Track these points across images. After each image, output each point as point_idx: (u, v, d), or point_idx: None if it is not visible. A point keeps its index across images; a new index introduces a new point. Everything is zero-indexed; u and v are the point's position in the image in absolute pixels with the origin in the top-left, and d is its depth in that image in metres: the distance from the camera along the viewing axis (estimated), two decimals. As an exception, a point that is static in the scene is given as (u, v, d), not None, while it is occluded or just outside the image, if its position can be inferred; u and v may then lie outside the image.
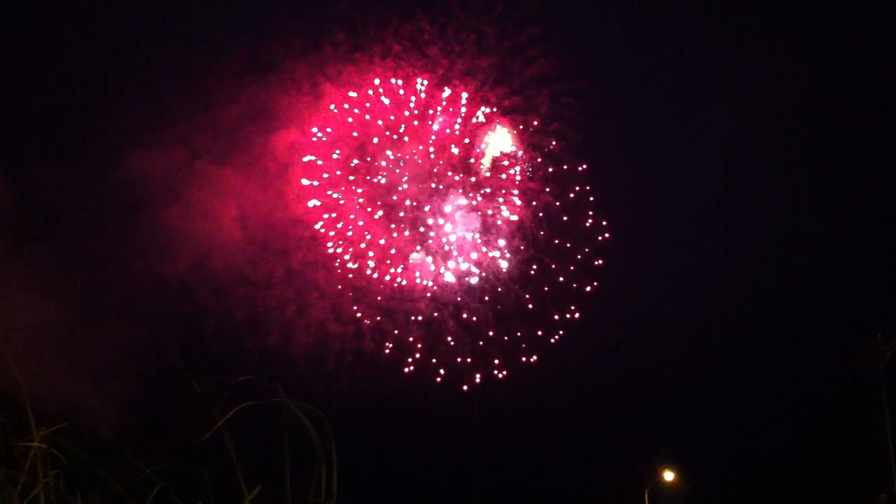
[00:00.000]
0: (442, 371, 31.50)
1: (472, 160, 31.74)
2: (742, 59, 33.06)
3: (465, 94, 31.50)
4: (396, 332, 31.64)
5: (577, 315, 31.98)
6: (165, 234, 28.39)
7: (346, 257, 31.50)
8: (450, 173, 31.77)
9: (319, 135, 31.33)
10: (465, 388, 31.36)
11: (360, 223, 31.53)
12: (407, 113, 31.53)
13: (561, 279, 32.14)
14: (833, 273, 31.82)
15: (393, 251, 31.60)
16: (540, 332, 31.87)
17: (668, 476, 30.90)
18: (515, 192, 31.99)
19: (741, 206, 33.36)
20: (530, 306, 31.98)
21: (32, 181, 27.02)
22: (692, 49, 32.95)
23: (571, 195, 32.10)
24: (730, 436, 31.90)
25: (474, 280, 31.79)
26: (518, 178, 31.99)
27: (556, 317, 32.01)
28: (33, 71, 29.66)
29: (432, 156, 31.66)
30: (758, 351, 32.52)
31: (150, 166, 28.27)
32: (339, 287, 31.45)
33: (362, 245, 31.52)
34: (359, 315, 31.52)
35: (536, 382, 31.39)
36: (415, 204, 31.69)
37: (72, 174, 27.55)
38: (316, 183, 31.31)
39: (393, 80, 31.44)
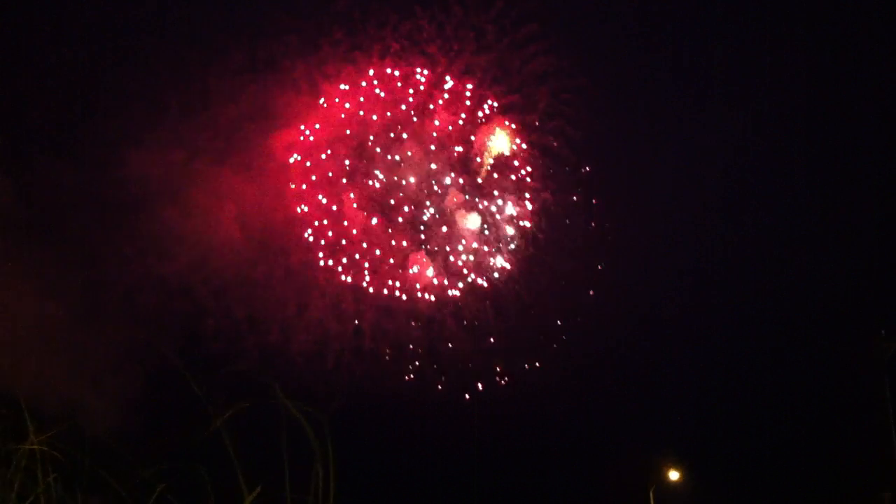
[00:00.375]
0: (443, 373, 31.45)
1: (473, 158, 31.67)
2: (746, 54, 32.97)
3: (466, 91, 31.52)
4: (396, 333, 31.59)
5: (580, 315, 31.90)
6: (161, 234, 28.40)
7: (343, 262, 31.45)
8: (452, 174, 31.68)
9: (308, 133, 31.25)
10: (467, 387, 31.35)
11: (354, 231, 31.42)
12: (404, 106, 31.46)
13: (563, 279, 32.09)
14: (837, 270, 31.71)
15: (392, 260, 31.51)
16: (542, 332, 31.82)
17: (673, 475, 30.83)
18: (515, 191, 31.91)
19: (744, 202, 33.28)
20: (532, 307, 31.94)
21: (29, 181, 27.02)
22: (693, 44, 32.85)
23: (572, 194, 32.05)
24: (734, 435, 31.81)
25: (472, 279, 31.74)
26: (518, 177, 31.92)
27: (559, 316, 31.96)
28: (31, 70, 29.62)
29: (431, 154, 31.60)
30: (761, 349, 32.41)
31: (146, 165, 28.29)
32: (337, 287, 31.38)
33: (357, 257, 31.42)
34: (356, 319, 31.50)
35: (539, 382, 31.32)
36: (412, 206, 31.63)
37: (69, 173, 27.54)
38: (305, 187, 31.27)
39: (390, 70, 31.35)
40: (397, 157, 31.51)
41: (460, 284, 31.58)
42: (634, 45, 32.79)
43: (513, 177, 31.77)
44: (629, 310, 32.39)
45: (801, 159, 33.01)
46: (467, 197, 31.63)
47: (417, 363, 31.55)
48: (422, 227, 31.71)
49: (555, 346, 31.47)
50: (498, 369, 31.56)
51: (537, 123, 31.64)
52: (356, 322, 31.46)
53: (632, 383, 32.48)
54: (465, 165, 31.78)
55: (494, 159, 31.66)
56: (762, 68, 32.71)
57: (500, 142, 31.59)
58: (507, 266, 31.80)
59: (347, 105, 31.48)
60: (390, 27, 31.26)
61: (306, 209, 31.20)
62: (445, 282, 31.57)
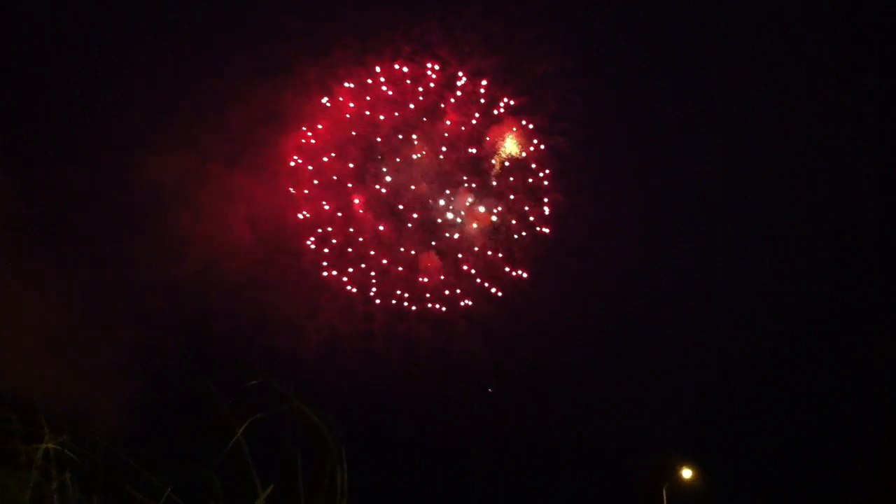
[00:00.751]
0: (454, 372, 31.38)
1: (483, 160, 31.61)
2: (755, 53, 32.80)
3: (480, 89, 31.50)
4: (406, 333, 31.58)
5: (592, 314, 31.74)
6: (167, 237, 28.52)
7: (358, 268, 31.42)
8: (465, 178, 31.60)
9: (317, 136, 31.26)
10: (479, 389, 31.26)
11: (361, 239, 31.38)
12: (413, 106, 31.42)
13: (574, 278, 31.96)
14: (861, 266, 31.51)
15: (401, 267, 31.43)
16: (553, 331, 31.72)
17: (686, 474, 30.70)
18: (525, 192, 31.82)
19: (755, 203, 33.06)
20: (543, 305, 31.83)
21: (39, 184, 27.20)
22: (702, 46, 32.68)
23: (583, 195, 31.91)
24: (744, 434, 31.64)
25: (480, 281, 31.68)
26: (529, 177, 31.83)
27: (571, 316, 31.83)
28: (42, 75, 29.77)
29: (442, 156, 31.57)
30: (772, 351, 32.21)
31: (154, 169, 28.44)
32: (345, 290, 31.36)
33: (363, 266, 31.40)
34: (365, 321, 31.54)
35: (552, 383, 31.28)
36: (430, 201, 31.54)
37: (78, 177, 27.72)
38: (307, 192, 31.32)
39: (398, 67, 31.29)
40: (409, 158, 31.53)
41: (470, 286, 31.60)
42: (644, 46, 32.64)
43: (512, 178, 31.72)
44: (645, 312, 32.24)
45: (804, 160, 32.85)
46: (479, 194, 31.59)
47: (429, 365, 31.51)
48: (432, 227, 31.72)
49: (568, 346, 31.34)
50: (510, 370, 31.47)
51: (546, 123, 31.58)
52: (365, 325, 31.51)
53: (643, 384, 32.33)
54: (476, 166, 31.75)
55: (505, 160, 31.58)
56: (770, 67, 32.54)
57: (510, 143, 31.52)
58: (519, 266, 31.74)
59: (352, 105, 31.48)
60: (401, 30, 31.31)
61: (308, 215, 31.27)
62: (458, 291, 31.53)
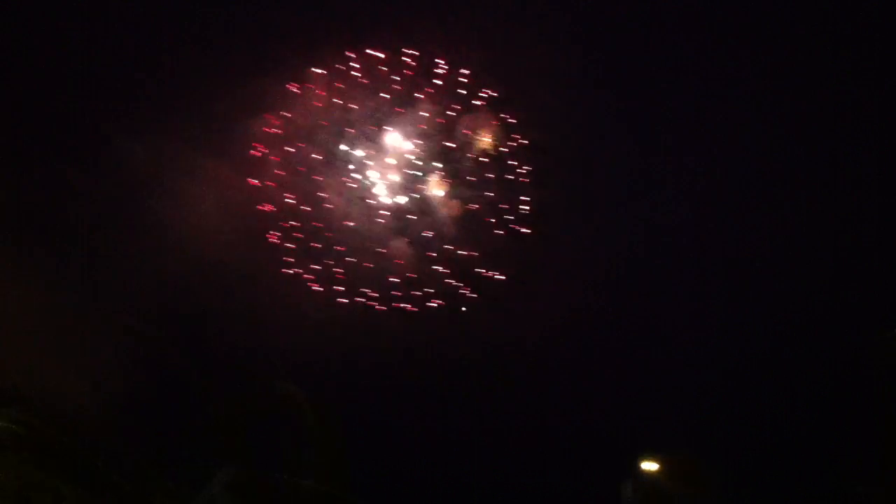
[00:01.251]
0: (424, 362, 31.08)
1: (459, 151, 31.43)
2: (748, 51, 32.95)
3: (453, 82, 31.12)
4: (375, 330, 31.11)
5: (567, 308, 31.63)
6: (126, 228, 28.57)
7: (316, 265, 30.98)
8: (440, 171, 31.38)
9: (278, 123, 30.95)
10: (450, 384, 31.07)
11: (328, 233, 30.98)
12: (387, 95, 31.10)
13: (549, 273, 31.88)
14: (850, 261, 31.73)
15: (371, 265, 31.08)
16: (527, 325, 31.54)
17: (651, 466, 30.61)
18: (503, 188, 31.62)
19: (746, 201, 33.20)
20: (516, 299, 31.62)
21: (20, 177, 27.20)
22: (695, 40, 32.74)
23: (560, 189, 31.84)
24: (726, 432, 31.74)
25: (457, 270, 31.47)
26: (508, 172, 31.68)
27: (544, 310, 31.68)
28: (26, 67, 29.33)
29: (416, 147, 31.31)
30: (778, 349, 32.34)
31: (120, 160, 28.44)
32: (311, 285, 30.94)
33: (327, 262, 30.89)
34: (334, 314, 31.01)
35: (521, 371, 31.08)
36: (402, 194, 31.28)
37: (61, 170, 27.63)
38: (269, 182, 30.84)
39: (371, 52, 30.83)
40: (382, 147, 31.24)
41: (444, 281, 31.37)
42: (633, 40, 32.67)
43: (509, 177, 31.55)
44: (622, 306, 32.31)
45: (803, 160, 33.09)
46: (453, 185, 31.42)
47: (400, 363, 31.24)
48: (403, 217, 31.47)
49: (539, 337, 31.23)
50: (482, 357, 31.34)
51: (525, 117, 31.45)
52: (331, 321, 31.10)
53: (628, 387, 32.34)
54: (450, 156, 31.55)
55: (481, 151, 31.45)
56: (767, 69, 32.74)
57: (486, 134, 31.37)
58: (495, 267, 31.60)
59: (323, 93, 31.20)
60: (378, 16, 31.07)
61: (273, 207, 30.88)
62: (430, 290, 31.30)
